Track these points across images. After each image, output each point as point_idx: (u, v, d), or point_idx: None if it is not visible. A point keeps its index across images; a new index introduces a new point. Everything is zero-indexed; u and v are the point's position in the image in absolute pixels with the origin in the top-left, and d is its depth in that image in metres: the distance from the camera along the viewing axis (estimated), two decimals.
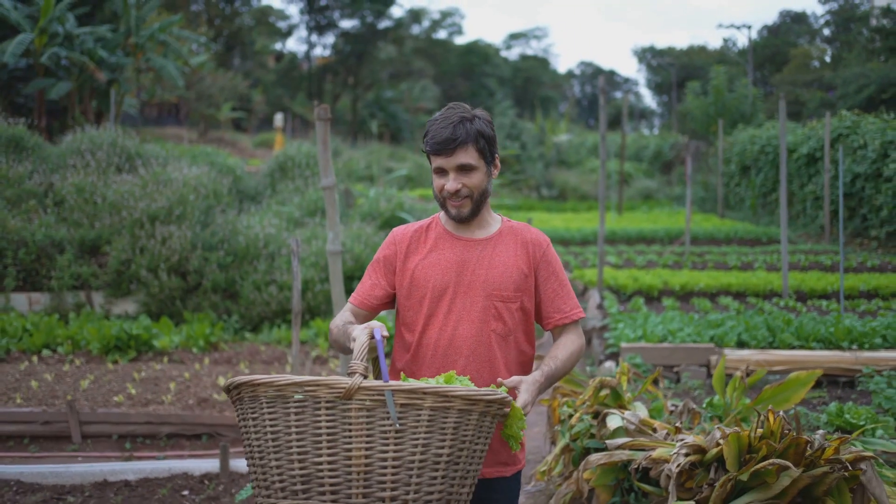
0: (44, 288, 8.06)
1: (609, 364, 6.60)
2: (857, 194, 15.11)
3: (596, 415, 3.87)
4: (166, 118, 45.14)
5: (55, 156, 9.70)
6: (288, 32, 57.99)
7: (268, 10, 56.13)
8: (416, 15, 59.01)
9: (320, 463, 1.86)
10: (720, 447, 3.14)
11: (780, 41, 48.11)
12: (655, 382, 6.28)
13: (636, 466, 3.48)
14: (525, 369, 2.57)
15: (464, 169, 2.44)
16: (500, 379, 2.32)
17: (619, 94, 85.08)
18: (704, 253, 13.48)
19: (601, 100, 9.71)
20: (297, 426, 1.87)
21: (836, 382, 6.29)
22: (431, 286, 2.48)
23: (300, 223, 9.22)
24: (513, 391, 2.31)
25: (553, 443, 4.29)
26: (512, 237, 2.57)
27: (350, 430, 1.86)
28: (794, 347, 6.73)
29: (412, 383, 1.89)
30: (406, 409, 1.85)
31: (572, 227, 16.69)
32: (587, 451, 3.83)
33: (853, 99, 25.63)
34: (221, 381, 5.84)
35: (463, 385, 2.07)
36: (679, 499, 3.15)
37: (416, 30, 59.48)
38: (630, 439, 3.45)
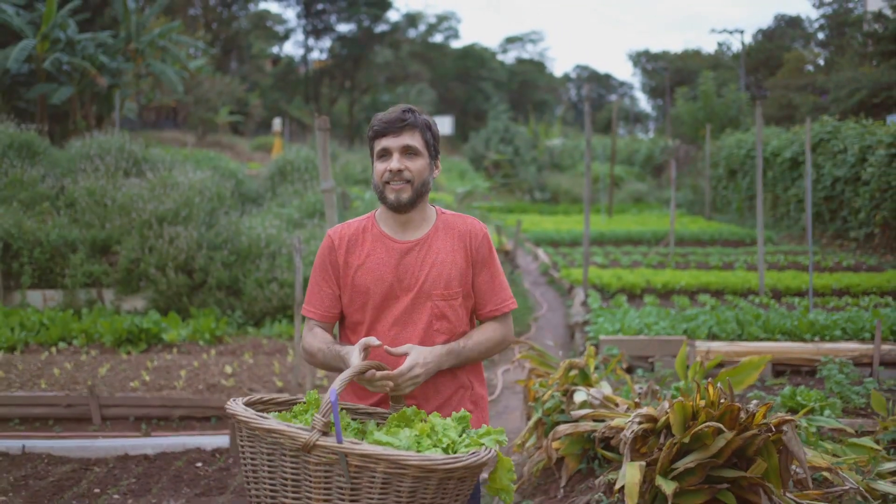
0: (57, 285, 8.54)
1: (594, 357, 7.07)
2: (837, 197, 15.62)
3: (566, 392, 4.35)
4: (164, 122, 45.49)
5: (65, 160, 10.18)
6: (285, 36, 58.39)
7: (265, 14, 56.54)
8: (412, 19, 59.46)
9: None
10: (668, 415, 3.62)
11: (774, 45, 48.42)
12: (629, 371, 6.78)
13: (598, 435, 3.97)
14: (475, 368, 2.59)
15: (409, 151, 2.42)
16: (386, 347, 2.32)
17: (613, 98, 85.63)
18: (688, 254, 13.98)
19: (586, 106, 10.21)
20: (268, 465, 1.93)
21: (798, 372, 6.78)
22: (372, 292, 2.44)
23: (299, 224, 9.69)
24: (403, 358, 2.32)
25: (528, 418, 4.77)
26: (447, 231, 2.52)
27: (311, 482, 1.88)
28: (760, 339, 7.22)
29: (367, 446, 1.85)
30: (360, 471, 1.84)
31: (562, 228, 17.19)
32: (557, 425, 4.31)
33: (845, 103, 25.98)
34: (228, 370, 6.31)
35: (438, 430, 2.06)
36: (632, 460, 3.63)
37: (412, 34, 59.93)
38: (592, 410, 3.94)
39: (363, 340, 2.24)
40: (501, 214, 20.00)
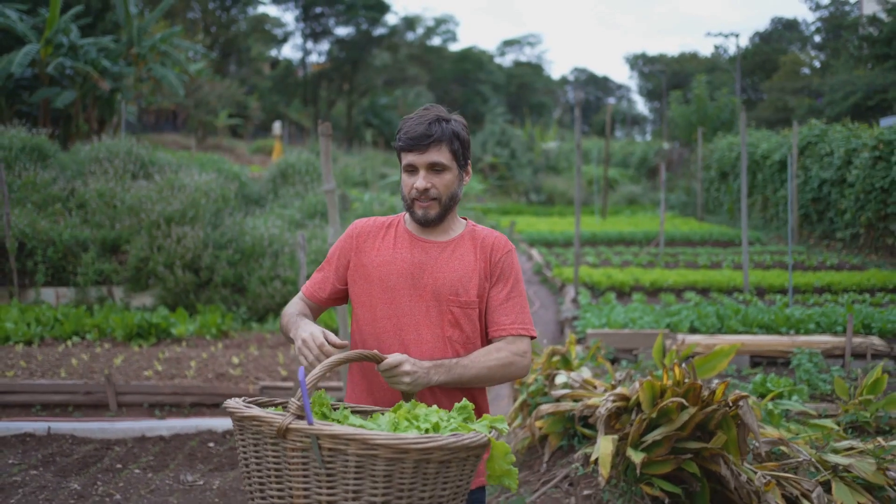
0: (70, 283, 8.92)
1: (577, 348, 7.47)
2: (824, 199, 16.02)
3: (548, 376, 4.74)
4: (163, 125, 45.78)
5: (75, 163, 10.57)
6: (283, 39, 58.69)
7: (263, 18, 56.87)
8: (410, 22, 59.79)
9: (273, 497, 1.88)
10: (638, 394, 4.01)
11: (771, 48, 48.71)
12: (615, 362, 7.17)
13: (577, 413, 4.36)
14: (479, 389, 2.45)
15: (435, 168, 2.35)
16: (375, 351, 2.16)
17: (612, 100, 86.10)
18: (678, 253, 14.37)
19: (577, 111, 10.60)
20: (255, 455, 1.90)
21: (774, 363, 7.17)
22: (385, 286, 2.37)
23: (301, 224, 10.07)
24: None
25: (515, 400, 5.16)
26: (473, 240, 2.45)
27: (290, 468, 1.84)
28: (739, 333, 7.62)
29: (337, 427, 1.79)
30: (333, 454, 1.78)
31: (556, 230, 17.59)
32: (540, 406, 4.70)
33: (840, 106, 26.30)
34: (235, 360, 6.70)
35: (422, 417, 1.98)
36: (606, 434, 4.02)
37: (410, 37, 60.25)
38: (572, 391, 4.33)
39: (327, 336, 2.14)
40: (497, 216, 20.40)
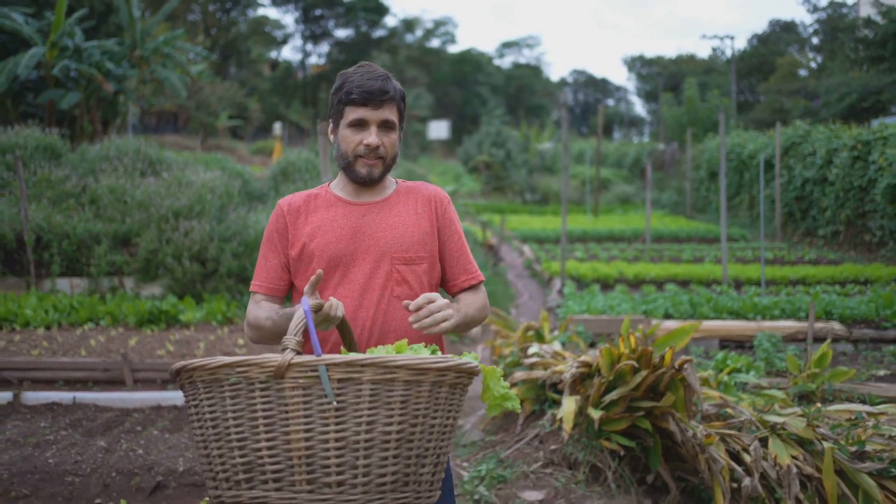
0: (83, 274, 9.48)
1: (556, 333, 8.02)
2: (807, 197, 16.58)
3: (523, 349, 5.29)
4: (165, 126, 46.25)
5: (86, 161, 11.13)
6: (283, 41, 59.25)
7: (263, 20, 57.42)
8: (409, 24, 60.35)
9: (260, 449, 1.70)
10: (599, 360, 4.56)
11: (769, 50, 49.07)
12: (593, 345, 7.70)
13: (548, 380, 4.91)
14: (437, 339, 2.34)
15: (386, 126, 2.27)
16: (405, 301, 2.09)
17: (611, 102, 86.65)
18: (664, 249, 14.92)
19: (563, 113, 11.14)
20: (233, 411, 1.72)
21: (742, 346, 7.72)
22: (326, 256, 2.27)
23: None
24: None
25: None
26: (410, 195, 2.38)
27: (287, 412, 1.69)
28: (710, 319, 8.16)
29: (349, 356, 1.70)
30: (344, 384, 1.68)
31: (548, 227, 18.15)
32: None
33: (835, 107, 26.66)
34: (241, 342, 7.24)
35: (416, 352, 1.92)
36: (571, 396, 4.56)
37: (409, 39, 60.81)
38: (542, 360, 4.87)
39: (311, 279, 2.02)
40: (492, 214, 20.95)
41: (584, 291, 10.20)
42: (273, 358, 1.68)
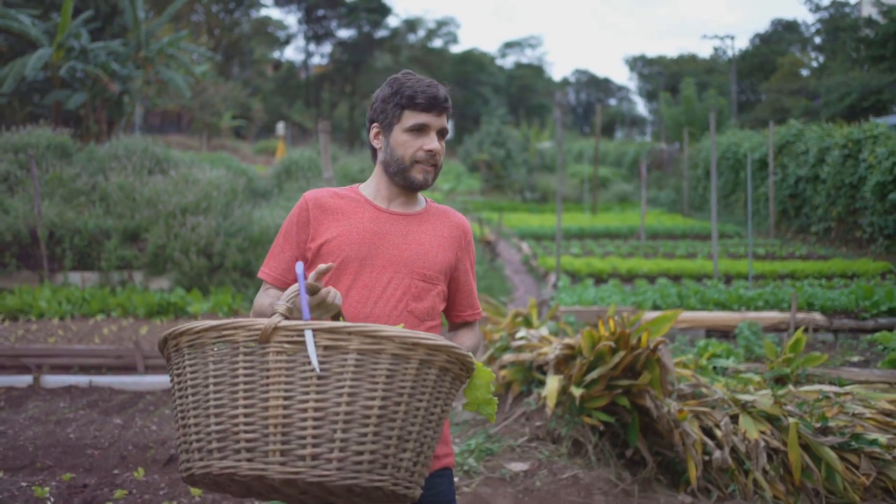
0: (94, 268, 9.84)
1: (550, 323, 8.35)
2: (800, 195, 16.90)
3: (512, 334, 5.63)
4: (168, 126, 46.56)
5: (96, 160, 11.50)
6: (286, 42, 59.57)
7: (266, 21, 57.76)
8: (411, 24, 60.61)
9: (236, 416, 1.64)
10: (580, 342, 4.90)
11: (771, 49, 49.15)
12: None
13: (534, 362, 5.24)
14: None
15: (442, 134, 2.27)
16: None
17: (613, 102, 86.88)
18: (659, 246, 15.25)
19: (557, 112, 11.48)
20: (214, 376, 1.67)
21: (726, 335, 8.05)
22: (344, 255, 2.23)
23: None
24: None
25: (483, 355, 6.05)
26: (441, 218, 2.37)
27: (268, 378, 1.64)
28: (696, 310, 8.49)
29: (339, 322, 1.66)
30: (330, 352, 1.64)
31: (546, 225, 18.49)
32: None
33: (836, 107, 26.76)
34: None
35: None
36: (554, 375, 4.90)
37: (412, 39, 61.07)
38: (529, 342, 5.21)
39: (318, 267, 2.00)
40: (491, 212, 21.30)
41: (577, 285, 10.53)
42: (260, 321, 1.65)
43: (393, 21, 63.17)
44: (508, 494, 4.29)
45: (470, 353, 1.81)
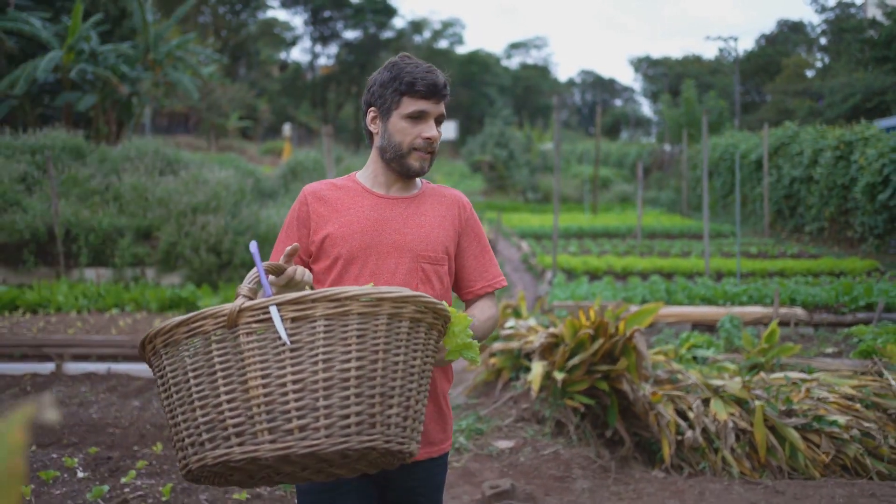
0: (108, 264, 10.28)
1: (539, 314, 8.75)
2: (794, 195, 17.27)
3: (501, 324, 6.03)
4: (175, 127, 46.96)
5: (109, 160, 11.96)
6: (292, 43, 59.93)
7: (273, 22, 58.14)
8: (417, 26, 60.92)
9: (220, 404, 1.65)
10: (563, 330, 5.30)
11: (775, 50, 49.12)
12: None
13: (522, 350, 5.65)
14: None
15: (440, 121, 2.26)
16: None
17: (619, 102, 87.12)
18: (655, 245, 15.63)
19: (555, 114, 11.87)
20: (192, 370, 1.68)
21: (712, 329, 8.43)
22: (348, 245, 2.22)
23: None
24: None
25: None
26: (436, 196, 2.36)
27: (243, 360, 1.65)
28: (683, 305, 8.88)
29: (300, 293, 1.67)
30: (298, 323, 1.65)
31: (547, 224, 18.88)
32: None
33: (839, 108, 26.86)
34: None
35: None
36: (539, 361, 5.30)
37: (417, 40, 61.39)
38: (515, 331, 5.62)
39: (288, 248, 1.99)
40: (493, 213, 21.70)
41: (572, 282, 10.91)
42: (226, 307, 1.65)
43: (399, 22, 63.60)
44: (494, 468, 4.69)
45: (442, 302, 1.79)
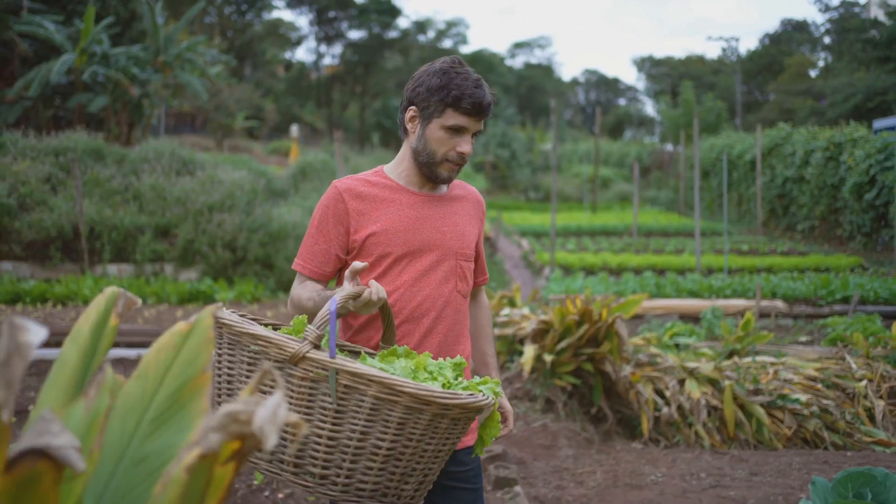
0: (129, 260, 10.88)
1: (532, 304, 9.30)
2: (787, 195, 17.81)
3: (497, 312, 6.60)
4: (183, 127, 47.35)
5: (128, 161, 12.56)
6: (297, 43, 60.27)
7: (278, 22, 58.55)
8: (421, 25, 61.20)
9: None
10: (552, 317, 5.87)
11: (778, 50, 49.06)
12: None
13: (516, 336, 6.22)
14: (466, 350, 2.37)
15: (476, 135, 2.28)
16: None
17: (622, 102, 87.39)
18: (650, 243, 16.18)
19: (553, 117, 12.43)
20: (247, 375, 1.77)
21: (697, 320, 8.98)
22: (391, 246, 2.22)
23: None
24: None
25: None
26: (463, 194, 2.41)
27: (292, 397, 1.74)
28: (671, 297, 9.44)
29: (360, 366, 1.71)
30: (349, 391, 1.71)
31: (547, 223, 19.43)
32: None
33: (841, 108, 27.04)
34: (269, 314, 8.59)
35: (439, 371, 1.89)
36: (531, 345, 5.87)
37: (422, 40, 61.68)
38: (510, 318, 6.19)
39: (351, 266, 1.97)
40: (495, 211, 22.26)
41: (568, 277, 11.47)
42: (292, 345, 1.71)
43: (403, 22, 63.78)
44: None
45: (488, 398, 1.78)
